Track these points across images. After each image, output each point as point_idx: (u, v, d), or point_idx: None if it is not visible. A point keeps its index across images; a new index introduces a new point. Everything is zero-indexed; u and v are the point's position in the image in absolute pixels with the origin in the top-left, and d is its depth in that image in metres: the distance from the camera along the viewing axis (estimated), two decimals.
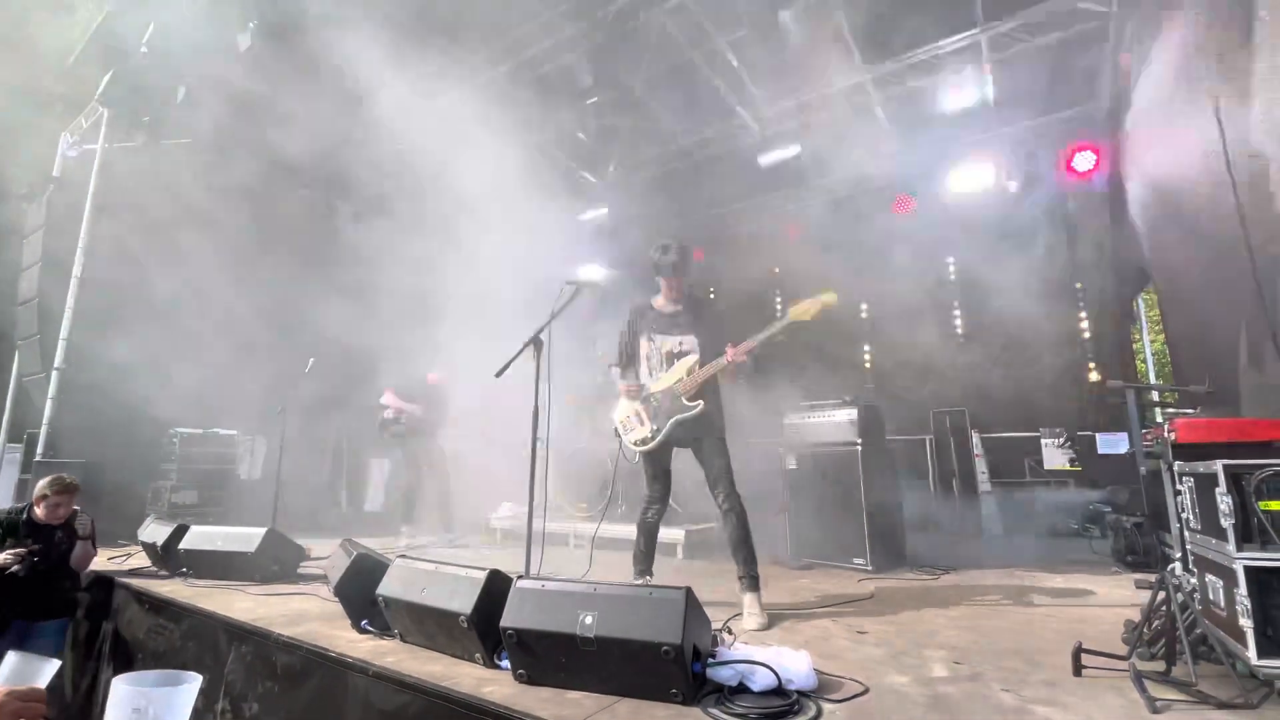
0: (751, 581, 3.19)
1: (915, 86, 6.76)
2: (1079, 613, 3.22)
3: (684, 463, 6.32)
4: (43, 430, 6.40)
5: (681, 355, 3.52)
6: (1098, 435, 7.01)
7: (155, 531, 4.44)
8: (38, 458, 6.27)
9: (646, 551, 3.64)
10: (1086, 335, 7.69)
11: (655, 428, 3.50)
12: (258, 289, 7.26)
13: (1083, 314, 7.75)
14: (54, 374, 6.50)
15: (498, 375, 3.41)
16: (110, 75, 6.44)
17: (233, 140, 6.92)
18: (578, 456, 6.62)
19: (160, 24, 5.74)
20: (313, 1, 5.03)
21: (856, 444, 4.54)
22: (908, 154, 8.56)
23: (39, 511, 3.74)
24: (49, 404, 6.44)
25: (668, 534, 5.19)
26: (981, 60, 6.36)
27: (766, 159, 7.84)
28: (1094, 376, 7.55)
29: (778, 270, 10.63)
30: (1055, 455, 7.12)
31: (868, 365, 9.44)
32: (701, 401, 3.42)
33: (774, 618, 3.11)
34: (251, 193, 7.44)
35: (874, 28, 6.34)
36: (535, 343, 3.43)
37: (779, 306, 10.39)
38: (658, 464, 3.59)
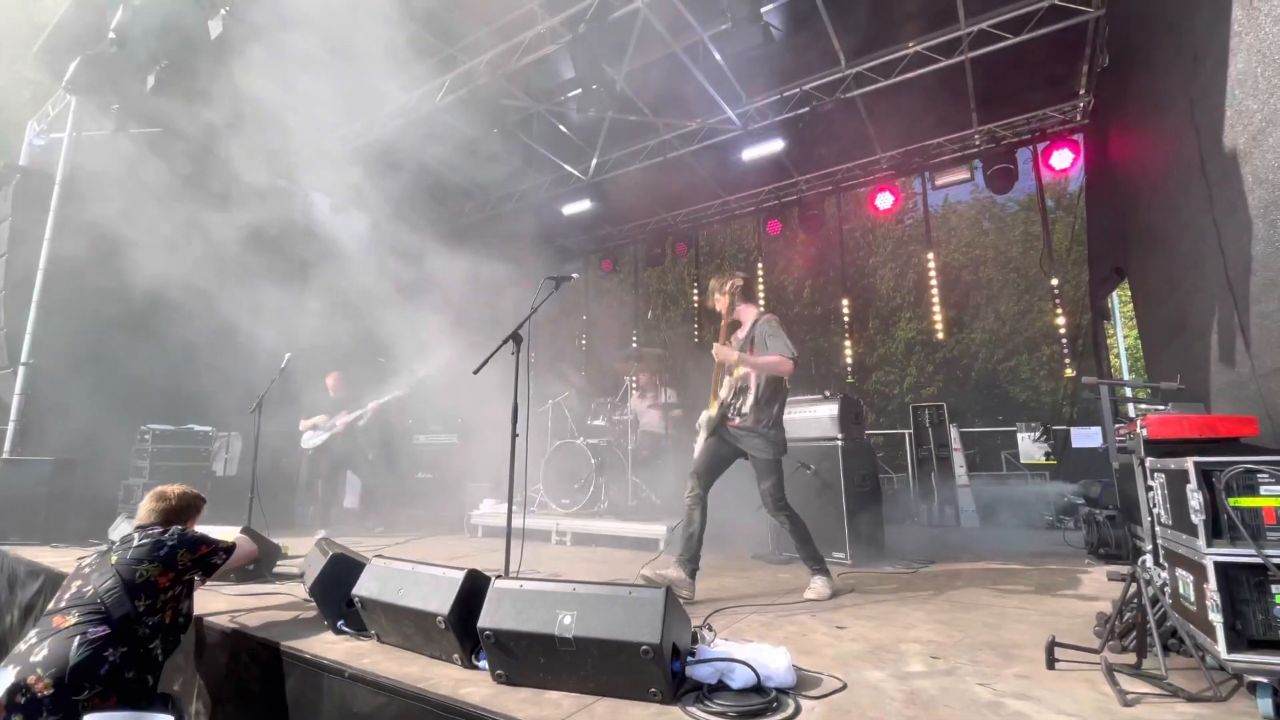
0: (817, 571, 3.62)
1: (897, 83, 6.77)
2: (1052, 605, 3.28)
3: (669, 456, 6.33)
4: (10, 427, 6.24)
5: (732, 372, 3.86)
6: (1072, 429, 7.14)
7: (126, 530, 4.34)
8: (5, 455, 6.11)
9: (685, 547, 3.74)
10: (1062, 331, 7.81)
11: (706, 435, 3.87)
12: (232, 282, 7.11)
13: (1059, 310, 7.86)
14: (21, 369, 6.33)
15: (476, 372, 3.37)
16: (78, 61, 6.24)
17: (204, 129, 6.75)
18: (560, 452, 6.60)
19: (129, 9, 5.56)
20: None
21: (837, 438, 4.57)
22: (889, 151, 8.62)
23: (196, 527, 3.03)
24: (16, 399, 6.28)
25: (649, 530, 5.20)
26: (962, 57, 6.39)
27: (749, 153, 7.83)
28: (1069, 372, 7.67)
29: (760, 265, 10.68)
30: (1031, 449, 7.25)
31: (849, 360, 9.52)
32: (740, 419, 3.73)
33: (755, 612, 3.12)
34: (225, 183, 7.28)
35: (857, 23, 6.34)
36: (515, 338, 3.39)
37: (761, 300, 10.42)
38: (700, 464, 3.82)
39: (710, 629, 2.60)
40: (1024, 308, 9.99)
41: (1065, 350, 7.80)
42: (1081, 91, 7.24)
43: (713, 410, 3.85)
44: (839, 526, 4.41)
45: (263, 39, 5.40)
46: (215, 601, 3.45)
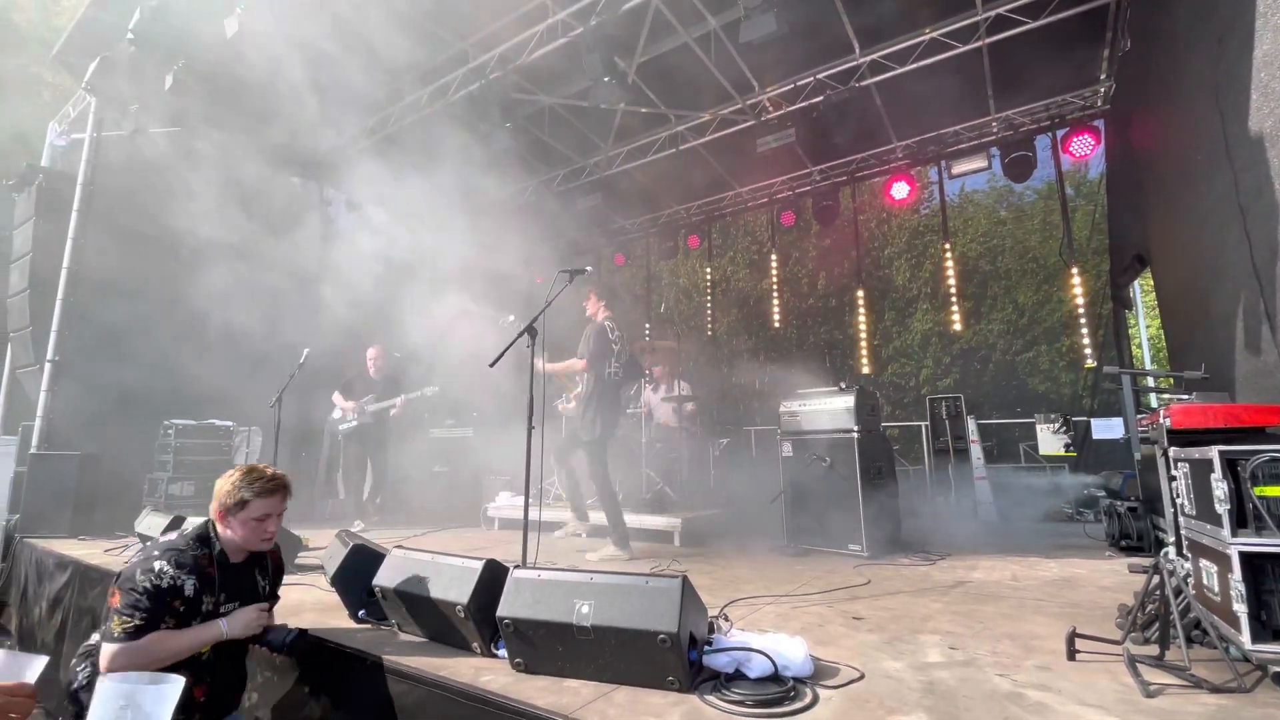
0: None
1: (913, 70, 6.68)
2: (1073, 597, 3.24)
3: (684, 449, 6.33)
4: (37, 423, 6.38)
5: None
6: (1093, 421, 7.04)
7: (152, 524, 4.42)
8: (33, 450, 6.25)
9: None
10: (1083, 322, 7.68)
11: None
12: (251, 278, 7.20)
13: (1079, 299, 7.74)
14: (47, 366, 6.45)
15: (492, 365, 3.39)
16: (97, 62, 6.34)
17: (222, 127, 6.84)
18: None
19: (147, 10, 5.63)
20: None
21: (853, 431, 4.54)
22: (905, 139, 8.51)
23: (237, 535, 2.25)
24: (43, 396, 6.41)
25: (665, 521, 5.22)
26: (980, 43, 6.29)
27: (762, 144, 7.77)
28: (1090, 364, 7.54)
29: (774, 256, 10.61)
30: (1050, 440, 7.15)
31: (864, 351, 9.45)
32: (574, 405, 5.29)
33: (771, 603, 3.13)
34: (243, 181, 7.37)
35: (871, 10, 6.26)
36: (530, 331, 3.41)
37: (775, 290, 10.36)
38: (561, 449, 5.41)
39: (726, 619, 2.61)
40: (1043, 297, 9.84)
41: (1086, 340, 7.68)
42: (1102, 76, 7.10)
43: (571, 404, 5.20)
44: (855, 519, 4.40)
45: (277, 37, 5.46)
46: None
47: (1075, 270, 7.76)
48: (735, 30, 6.16)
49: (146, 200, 6.73)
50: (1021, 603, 3.15)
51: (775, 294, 10.41)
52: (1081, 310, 7.73)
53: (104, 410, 6.50)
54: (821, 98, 7.10)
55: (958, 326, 8.90)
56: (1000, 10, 6.07)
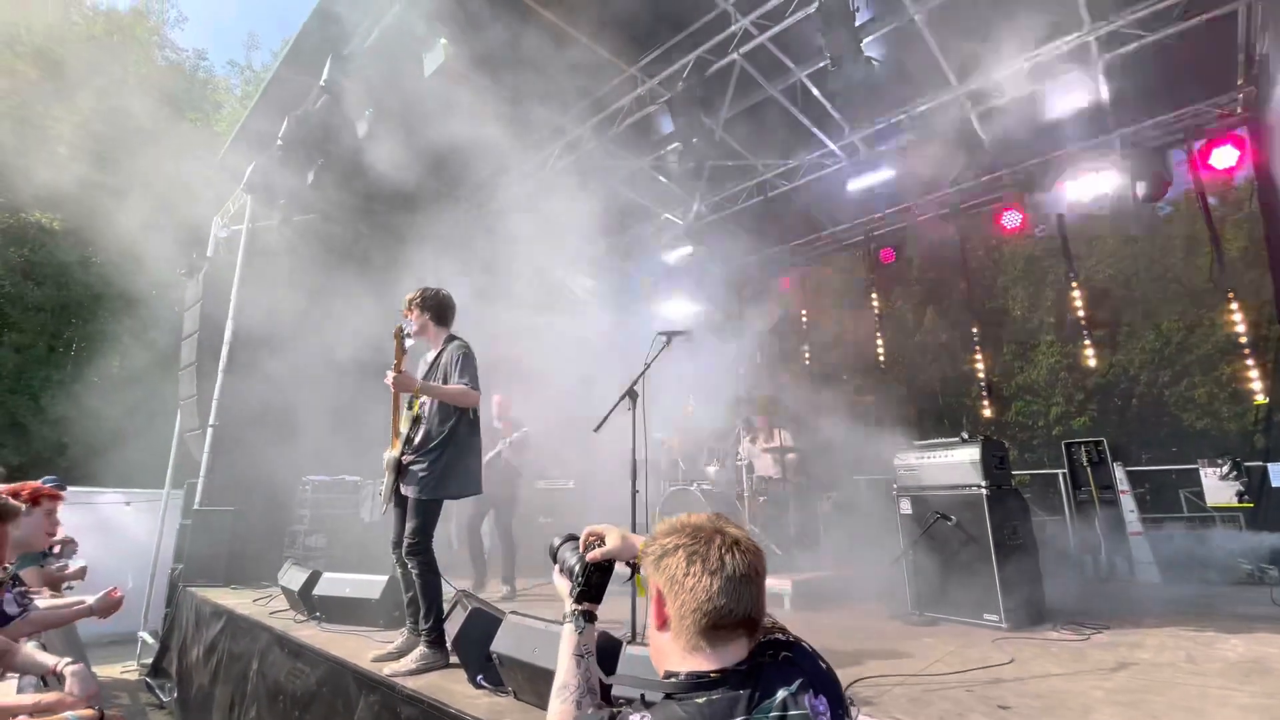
0: (427, 641, 3.30)
1: (1018, 97, 6.35)
2: (1267, 684, 2.75)
3: (789, 502, 6.10)
4: (200, 480, 7.19)
5: (412, 405, 3.61)
6: (1270, 466, 6.08)
7: (292, 577, 4.81)
8: (196, 505, 7.04)
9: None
10: (1246, 347, 6.73)
11: (389, 481, 3.68)
12: (376, 345, 7.86)
13: (1238, 323, 6.79)
14: (209, 430, 7.30)
15: (596, 430, 3.46)
16: (252, 166, 7.33)
17: (354, 212, 7.66)
18: (674, 499, 6.56)
19: (293, 120, 6.48)
20: (417, 88, 5.52)
21: (981, 486, 4.18)
22: (1013, 165, 8.04)
23: None
24: (205, 457, 7.24)
25: (773, 583, 5.01)
26: (1092, 61, 5.89)
27: (855, 184, 7.62)
28: (1260, 398, 6.55)
29: (875, 295, 10.23)
30: (1219, 488, 6.23)
31: (983, 389, 8.79)
32: (412, 454, 3.49)
33: (900, 684, 2.88)
34: (370, 258, 8.16)
35: (966, 40, 6.07)
36: (630, 395, 3.46)
37: (877, 328, 9.94)
38: (396, 529, 3.67)
39: (852, 702, 2.44)
40: (1192, 322, 8.80)
41: (1252, 370, 6.69)
42: (1240, 81, 6.41)
43: (395, 449, 3.44)
44: (989, 585, 3.99)
45: (401, 132, 6.11)
46: (368, 648, 3.71)
47: (1232, 292, 6.86)
48: (821, 76, 6.17)
49: (291, 281, 7.58)
50: (1203, 691, 2.71)
51: (878, 332, 9.99)
52: (1243, 335, 6.77)
53: (254, 469, 7.23)
54: (916, 134, 6.90)
55: (1092, 361, 8.10)
56: (1113, 26, 5.69)
